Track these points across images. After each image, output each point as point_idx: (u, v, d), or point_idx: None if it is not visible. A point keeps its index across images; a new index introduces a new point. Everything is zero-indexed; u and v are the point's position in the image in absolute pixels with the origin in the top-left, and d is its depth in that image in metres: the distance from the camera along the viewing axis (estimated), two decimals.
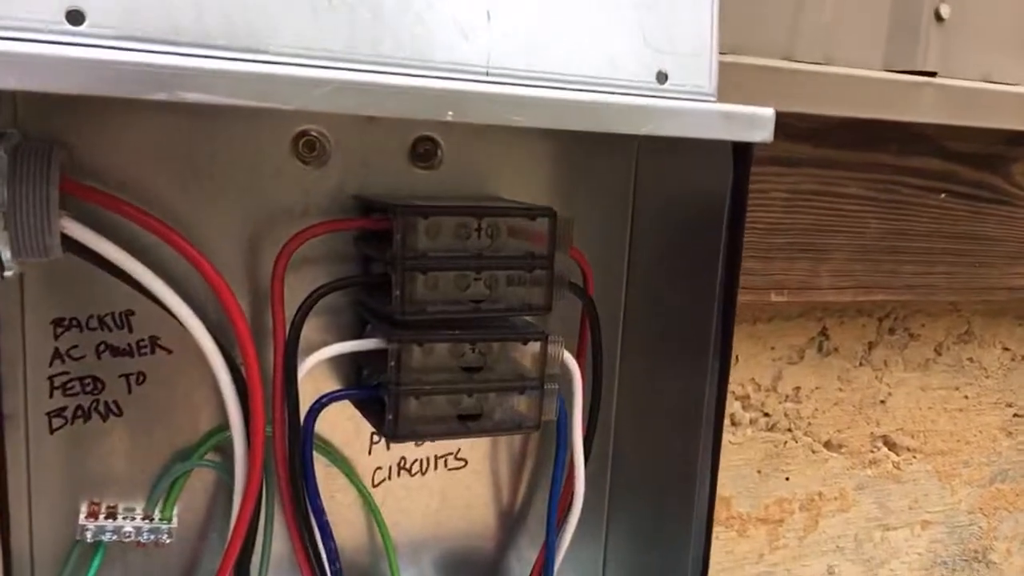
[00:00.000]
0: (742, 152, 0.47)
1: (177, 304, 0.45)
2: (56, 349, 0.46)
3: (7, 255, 0.39)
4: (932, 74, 0.64)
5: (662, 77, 0.47)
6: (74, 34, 0.35)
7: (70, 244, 0.41)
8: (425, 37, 0.41)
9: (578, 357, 0.54)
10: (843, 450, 0.77)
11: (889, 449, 0.80)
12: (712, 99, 0.48)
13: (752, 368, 0.72)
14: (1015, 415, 0.85)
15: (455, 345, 0.47)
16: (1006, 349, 0.83)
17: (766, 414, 0.74)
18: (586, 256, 0.54)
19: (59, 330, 0.46)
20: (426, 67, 0.41)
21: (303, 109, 0.36)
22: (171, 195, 0.46)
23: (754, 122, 0.45)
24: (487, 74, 0.43)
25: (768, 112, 0.45)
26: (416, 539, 0.57)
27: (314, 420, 0.48)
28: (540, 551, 0.57)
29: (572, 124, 0.43)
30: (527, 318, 0.50)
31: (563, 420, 0.53)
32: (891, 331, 0.76)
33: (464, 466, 0.57)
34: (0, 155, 0.38)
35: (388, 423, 0.46)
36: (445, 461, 0.56)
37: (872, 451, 0.79)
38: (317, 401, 0.48)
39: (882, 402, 0.78)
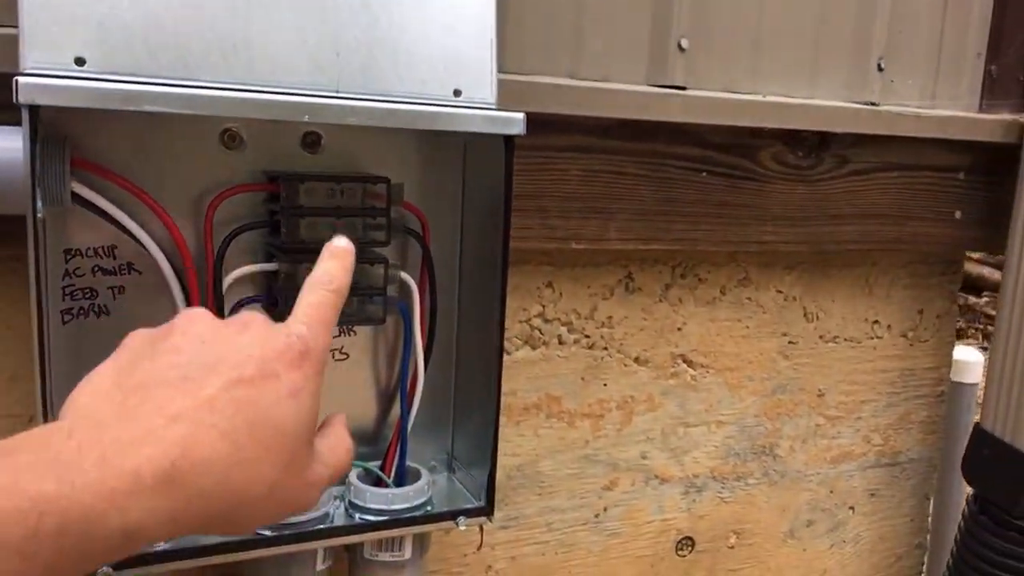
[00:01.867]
0: (509, 142, 0.73)
1: (146, 241, 0.69)
2: (66, 269, 0.69)
3: (39, 204, 0.64)
4: (682, 88, 0.90)
5: (457, 93, 0.72)
6: (79, 72, 0.60)
7: (77, 198, 0.65)
8: (296, 69, 0.66)
9: (420, 280, 0.79)
10: (649, 364, 1.02)
11: (687, 365, 1.04)
12: (493, 108, 0.73)
13: (573, 302, 0.97)
14: (790, 342, 1.09)
15: None
16: (779, 291, 1.08)
17: (586, 336, 0.98)
18: (426, 213, 0.79)
19: (68, 257, 0.69)
20: (297, 88, 0.66)
21: (218, 115, 0.62)
22: (140, 172, 0.69)
23: (510, 122, 0.71)
24: (337, 92, 0.68)
25: (519, 115, 0.71)
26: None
27: None
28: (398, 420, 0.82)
29: (389, 124, 0.68)
30: (376, 249, 0.75)
31: (408, 321, 0.79)
32: (683, 276, 1.01)
33: (347, 359, 0.83)
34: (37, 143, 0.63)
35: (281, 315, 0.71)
36: (333, 354, 0.81)
37: (673, 366, 1.04)
38: (237, 303, 0.73)
39: (679, 329, 1.03)
